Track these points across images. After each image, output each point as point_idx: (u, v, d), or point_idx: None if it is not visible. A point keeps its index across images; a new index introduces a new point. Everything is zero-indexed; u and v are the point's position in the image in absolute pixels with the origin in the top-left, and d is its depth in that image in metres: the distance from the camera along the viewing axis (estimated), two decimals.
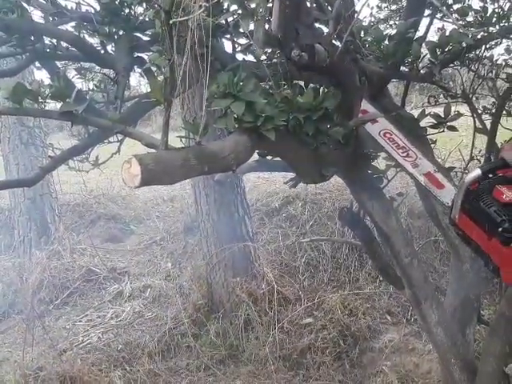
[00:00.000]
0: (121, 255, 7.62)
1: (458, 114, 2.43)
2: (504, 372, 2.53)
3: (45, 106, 1.80)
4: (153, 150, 1.54)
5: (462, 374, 2.66)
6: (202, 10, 1.23)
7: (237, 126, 1.71)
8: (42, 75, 2.87)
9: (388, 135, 2.25)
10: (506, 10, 2.51)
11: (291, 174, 2.59)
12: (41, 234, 7.61)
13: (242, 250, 5.68)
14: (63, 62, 3.08)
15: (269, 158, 2.38)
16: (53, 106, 1.91)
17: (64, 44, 2.49)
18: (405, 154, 2.22)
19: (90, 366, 4.93)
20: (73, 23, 2.48)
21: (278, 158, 2.28)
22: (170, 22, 1.24)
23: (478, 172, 1.79)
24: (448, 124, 2.43)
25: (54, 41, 2.50)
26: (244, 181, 6.02)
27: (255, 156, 2.30)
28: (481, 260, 2.46)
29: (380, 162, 2.69)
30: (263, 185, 8.32)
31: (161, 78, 1.58)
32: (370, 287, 5.87)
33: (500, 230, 1.65)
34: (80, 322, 6.02)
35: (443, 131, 2.47)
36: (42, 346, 5.22)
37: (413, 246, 2.80)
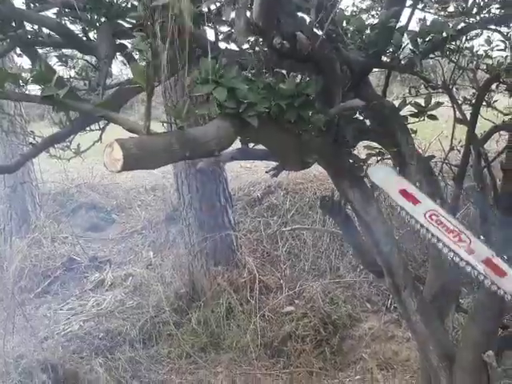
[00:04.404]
0: (102, 244, 7.60)
1: (438, 103, 2.44)
2: (482, 359, 2.55)
3: (26, 90, 1.80)
4: (135, 135, 1.54)
5: (440, 362, 2.67)
6: None
7: (219, 112, 1.71)
8: (22, 63, 2.85)
9: (435, 217, 2.06)
10: (486, 0, 2.53)
11: (273, 163, 2.60)
12: (21, 223, 7.57)
13: (224, 239, 5.71)
14: (44, 50, 3.06)
15: (251, 145, 2.39)
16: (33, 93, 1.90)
17: (46, 31, 2.48)
18: (457, 239, 1.99)
19: (72, 353, 4.95)
20: (54, 10, 2.47)
21: (260, 146, 2.29)
22: (152, 3, 1.24)
23: None
24: (428, 113, 2.44)
25: (36, 27, 2.49)
26: (226, 170, 6.03)
27: (238, 145, 2.31)
28: None
29: (361, 152, 2.71)
30: (245, 174, 8.32)
31: (143, 63, 1.58)
32: (350, 276, 5.94)
33: None
34: (61, 310, 6.01)
35: (423, 120, 2.49)
36: (23, 334, 5.21)
37: (393, 234, 2.81)
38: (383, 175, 2.28)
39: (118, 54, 2.47)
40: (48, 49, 2.92)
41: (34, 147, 2.49)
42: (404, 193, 2.14)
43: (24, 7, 2.42)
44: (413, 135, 2.66)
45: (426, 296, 2.90)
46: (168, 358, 5.01)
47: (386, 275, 2.71)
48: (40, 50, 2.75)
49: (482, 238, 2.02)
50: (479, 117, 3.47)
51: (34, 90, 1.81)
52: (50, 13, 2.48)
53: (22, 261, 6.60)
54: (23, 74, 1.66)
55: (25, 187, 7.62)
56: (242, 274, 5.53)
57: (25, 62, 2.60)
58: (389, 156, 2.75)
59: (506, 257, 1.97)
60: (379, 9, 3.43)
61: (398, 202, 2.14)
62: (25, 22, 2.40)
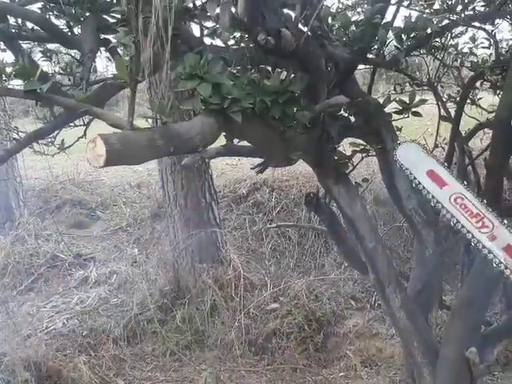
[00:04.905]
0: (86, 241, 7.55)
1: (423, 100, 2.46)
2: (465, 356, 2.57)
3: (9, 85, 1.78)
4: (118, 131, 1.54)
5: (424, 358, 2.69)
6: None
7: (203, 107, 1.71)
8: (5, 57, 2.83)
9: (460, 200, 2.01)
10: None
11: (258, 160, 2.59)
12: (5, 220, 7.51)
13: (209, 236, 5.69)
14: (29, 45, 3.05)
15: (235, 141, 2.39)
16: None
17: (30, 25, 2.47)
18: (480, 224, 1.95)
19: (55, 351, 4.90)
20: (39, 4, 2.45)
21: (245, 143, 2.29)
22: None
23: None
24: (413, 110, 2.45)
25: (20, 21, 2.47)
26: (211, 167, 6.02)
27: (223, 141, 2.31)
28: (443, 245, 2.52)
29: (347, 150, 2.72)
30: (231, 171, 8.33)
31: (127, 58, 1.57)
32: (335, 273, 5.95)
33: None
34: (45, 307, 5.94)
35: (408, 117, 2.50)
36: (6, 331, 5.15)
37: (377, 231, 2.83)
38: (411, 155, 2.22)
39: (102, 49, 2.46)
40: (32, 43, 2.90)
41: (17, 143, 2.48)
42: (431, 174, 2.10)
43: (8, 0, 2.41)
44: (398, 132, 2.67)
45: (409, 293, 2.92)
46: (152, 355, 4.98)
47: (371, 272, 2.73)
48: (24, 45, 2.73)
49: (505, 222, 1.97)
50: (464, 114, 3.50)
51: (19, 85, 1.80)
52: (35, 7, 2.47)
53: (5, 258, 6.55)
54: (6, 69, 1.64)
55: (8, 184, 7.56)
56: (226, 271, 5.51)
57: (8, 57, 2.57)
58: (374, 153, 2.76)
59: None
60: (365, 5, 3.44)
61: (424, 185, 2.09)
62: (8, 16, 2.39)
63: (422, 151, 2.25)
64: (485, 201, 2.02)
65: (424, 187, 2.11)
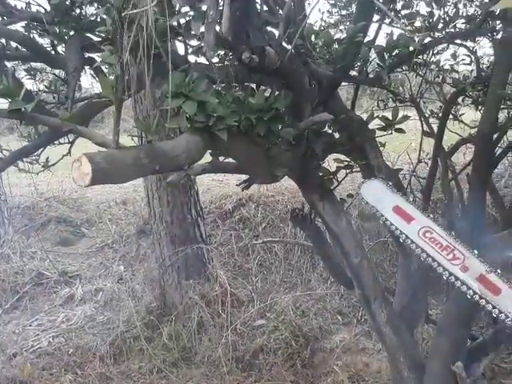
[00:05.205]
0: (72, 258, 7.50)
1: (406, 117, 2.48)
2: (451, 370, 2.57)
3: None
4: (104, 149, 1.54)
5: (410, 373, 2.69)
6: (154, 3, 1.24)
7: (189, 125, 1.72)
8: None
9: (429, 234, 2.01)
10: (451, 16, 2.59)
11: (244, 176, 2.60)
12: None
13: (195, 252, 5.69)
14: (13, 64, 3.05)
15: (221, 159, 2.39)
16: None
17: (14, 45, 2.47)
18: (451, 256, 1.95)
19: (41, 370, 4.86)
20: (22, 23, 2.46)
21: (231, 160, 2.30)
22: (122, 14, 1.25)
23: None
24: (396, 126, 2.47)
25: (3, 40, 2.48)
26: (197, 183, 6.02)
27: (209, 158, 2.31)
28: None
29: (332, 166, 2.73)
30: (217, 187, 8.32)
31: (112, 77, 1.58)
32: (321, 288, 5.95)
33: None
34: (30, 326, 5.90)
35: (391, 133, 2.52)
36: None
37: (362, 246, 2.83)
38: (376, 193, 2.26)
39: (87, 67, 2.46)
40: (16, 62, 2.90)
41: (1, 161, 2.47)
42: (398, 210, 2.11)
43: None
44: (382, 148, 2.69)
45: (395, 307, 2.93)
46: (139, 373, 4.94)
47: (356, 287, 2.73)
48: (8, 64, 2.73)
49: (475, 252, 1.98)
50: (446, 130, 3.53)
51: (3, 103, 1.80)
52: (19, 26, 2.47)
53: None
54: None
55: None
56: (213, 287, 5.50)
57: None
58: (358, 169, 2.78)
59: (499, 271, 1.93)
60: (347, 24, 3.48)
61: (392, 222, 2.10)
62: None
63: (386, 187, 2.28)
64: (453, 232, 2.02)
65: (392, 223, 2.12)
